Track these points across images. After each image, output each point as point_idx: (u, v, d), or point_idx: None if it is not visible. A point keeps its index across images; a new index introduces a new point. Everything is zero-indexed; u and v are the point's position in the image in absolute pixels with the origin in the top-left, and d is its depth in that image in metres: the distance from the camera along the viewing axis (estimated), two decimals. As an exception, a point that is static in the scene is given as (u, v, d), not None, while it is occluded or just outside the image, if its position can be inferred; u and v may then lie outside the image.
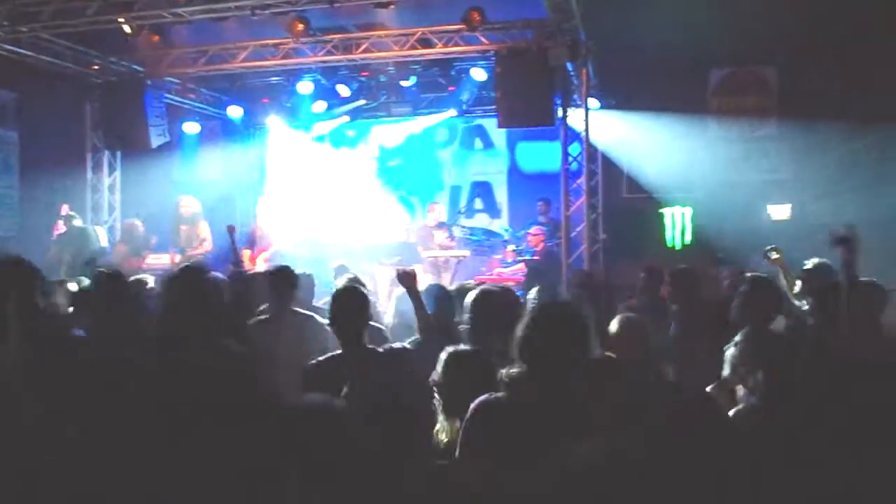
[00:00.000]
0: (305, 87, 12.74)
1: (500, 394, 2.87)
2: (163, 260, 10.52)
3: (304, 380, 4.16)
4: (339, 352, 4.27)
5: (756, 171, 14.31)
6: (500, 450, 2.67)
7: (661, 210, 14.07)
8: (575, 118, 11.52)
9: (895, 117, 9.69)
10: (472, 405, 2.83)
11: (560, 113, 11.13)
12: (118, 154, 13.02)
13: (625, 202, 14.17)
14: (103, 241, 11.39)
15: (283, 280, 5.49)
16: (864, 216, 10.40)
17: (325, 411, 2.48)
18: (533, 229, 12.08)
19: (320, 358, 4.27)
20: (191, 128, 14.26)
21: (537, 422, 2.67)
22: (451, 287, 6.13)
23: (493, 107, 11.47)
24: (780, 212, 14.11)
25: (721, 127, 14.46)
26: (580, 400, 2.81)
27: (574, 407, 2.78)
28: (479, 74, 12.25)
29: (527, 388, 2.80)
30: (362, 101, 13.82)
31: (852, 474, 2.39)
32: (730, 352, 4.12)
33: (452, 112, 13.87)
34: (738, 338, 4.19)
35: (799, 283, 5.97)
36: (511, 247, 12.40)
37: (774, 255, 6.40)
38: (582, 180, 11.61)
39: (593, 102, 12.04)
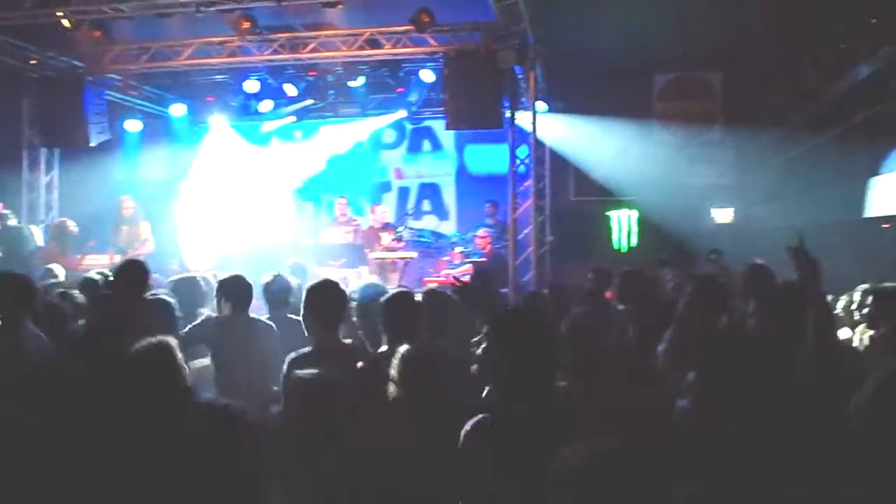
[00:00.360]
0: (252, 85, 12.58)
1: (487, 415, 2.82)
2: (101, 260, 10.22)
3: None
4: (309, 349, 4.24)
5: (700, 175, 14.55)
6: (501, 468, 2.64)
7: (607, 213, 14.23)
8: (523, 121, 11.57)
9: (830, 125, 9.89)
10: (464, 430, 2.79)
11: (508, 115, 11.13)
12: (56, 152, 12.68)
13: (572, 205, 14.30)
14: (39, 241, 11.07)
15: (235, 286, 5.38)
16: (801, 221, 10.66)
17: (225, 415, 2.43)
18: (480, 231, 12.10)
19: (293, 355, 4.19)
20: (133, 126, 13.94)
21: (532, 434, 2.64)
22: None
23: (442, 108, 11.43)
24: (723, 215, 14.40)
25: (667, 131, 14.66)
26: (568, 404, 2.80)
27: (564, 412, 2.77)
28: (427, 76, 12.22)
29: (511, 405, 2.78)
30: (310, 101, 13.69)
31: (782, 475, 2.41)
32: (661, 348, 4.13)
33: (402, 113, 13.83)
34: (666, 336, 4.18)
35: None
36: (459, 249, 12.39)
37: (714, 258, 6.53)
38: (529, 183, 11.66)
39: (541, 105, 12.11)
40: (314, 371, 3.23)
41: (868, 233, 10.22)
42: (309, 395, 3.11)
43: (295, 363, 4.02)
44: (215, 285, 5.55)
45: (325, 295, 4.41)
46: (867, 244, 10.14)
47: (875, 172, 8.11)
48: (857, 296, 5.31)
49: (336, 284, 4.58)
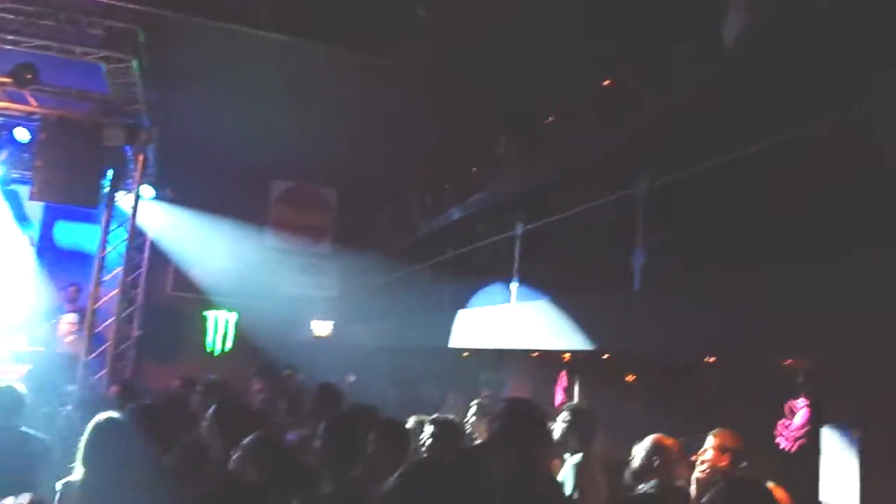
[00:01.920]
0: None
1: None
2: None
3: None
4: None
5: (307, 286, 14.69)
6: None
7: (205, 312, 13.58)
8: (125, 203, 10.65)
9: (425, 257, 10.55)
10: None
11: (108, 196, 10.16)
12: None
13: (169, 299, 13.42)
14: None
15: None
16: (393, 343, 11.10)
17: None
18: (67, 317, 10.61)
19: None
20: None
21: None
22: None
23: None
24: (322, 328, 14.58)
25: (279, 238, 14.65)
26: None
27: None
28: (22, 135, 10.75)
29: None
30: None
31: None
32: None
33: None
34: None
35: None
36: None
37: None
38: (119, 271, 10.66)
39: (148, 191, 11.31)
40: None
41: (450, 360, 10.96)
42: None
43: None
44: None
45: None
46: (450, 370, 10.85)
47: (460, 306, 8.69)
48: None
49: None
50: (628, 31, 7.14)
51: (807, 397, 5.63)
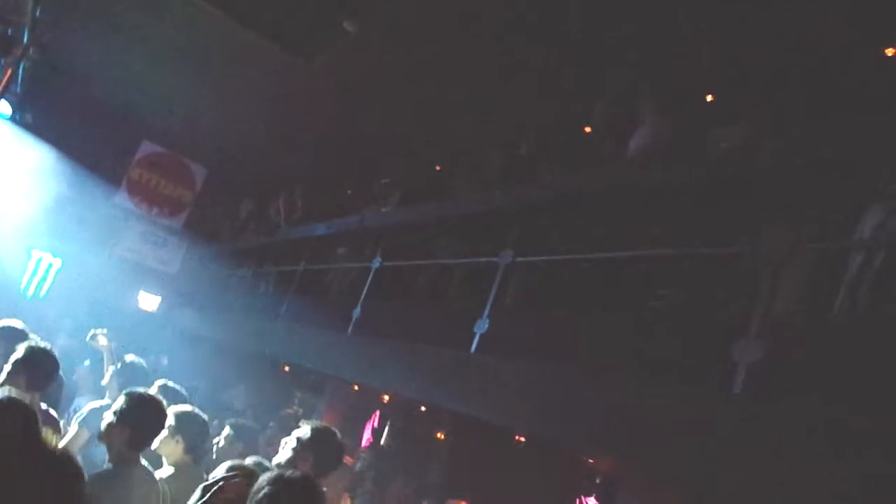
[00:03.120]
0: None
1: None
2: None
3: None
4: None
5: (146, 255, 14.22)
6: None
7: (31, 249, 12.74)
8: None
9: (283, 263, 10.34)
10: None
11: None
12: None
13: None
14: None
15: None
16: (220, 337, 10.74)
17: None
18: None
19: None
20: None
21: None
22: None
23: None
24: (149, 302, 14.01)
25: (131, 199, 14.10)
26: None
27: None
28: None
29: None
30: None
31: None
32: None
33: None
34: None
35: (111, 370, 5.71)
36: None
37: (102, 339, 6.14)
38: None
39: (5, 107, 10.61)
40: None
41: (269, 371, 10.71)
42: None
43: None
44: None
45: None
46: (267, 381, 10.54)
47: (296, 321, 8.53)
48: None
49: None
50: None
51: (598, 499, 5.87)
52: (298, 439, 3.84)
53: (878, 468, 2.56)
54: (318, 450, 3.81)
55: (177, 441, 4.21)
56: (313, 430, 3.88)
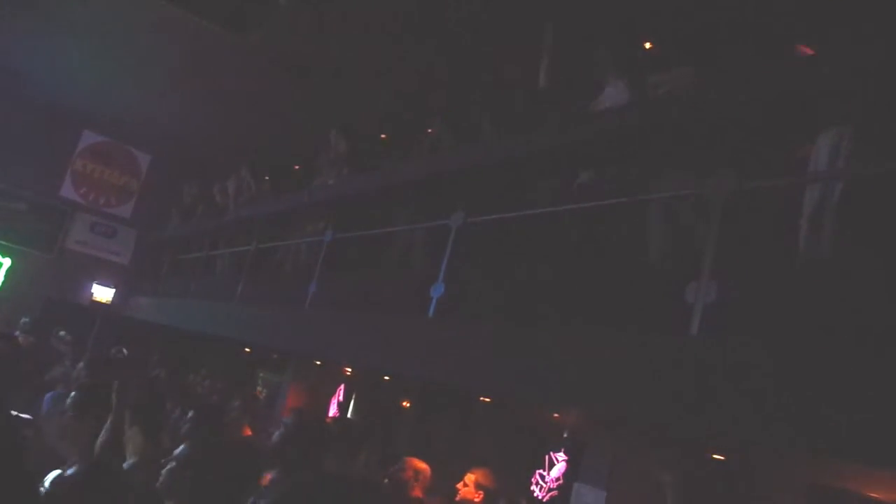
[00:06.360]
0: None
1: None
2: None
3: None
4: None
5: (95, 247, 14.01)
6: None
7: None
8: None
9: (235, 244, 10.18)
10: None
11: None
12: None
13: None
14: None
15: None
16: (177, 323, 10.58)
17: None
18: None
19: None
20: None
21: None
22: None
23: None
24: (103, 294, 13.74)
25: (76, 191, 13.77)
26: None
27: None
28: None
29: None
30: None
31: None
32: None
33: None
34: None
35: None
36: None
37: None
38: None
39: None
40: None
41: (231, 353, 10.57)
42: None
43: None
44: None
45: None
46: (228, 364, 10.41)
47: (253, 301, 8.42)
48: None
49: None
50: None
51: (566, 453, 5.89)
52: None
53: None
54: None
55: None
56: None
